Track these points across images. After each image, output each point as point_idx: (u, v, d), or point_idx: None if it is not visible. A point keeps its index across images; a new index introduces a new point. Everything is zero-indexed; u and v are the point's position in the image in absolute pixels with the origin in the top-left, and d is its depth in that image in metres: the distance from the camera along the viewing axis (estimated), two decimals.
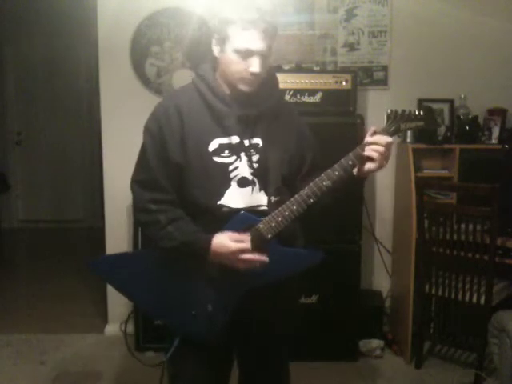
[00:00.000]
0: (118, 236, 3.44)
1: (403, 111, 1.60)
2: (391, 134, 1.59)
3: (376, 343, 3.22)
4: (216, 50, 1.64)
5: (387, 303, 3.51)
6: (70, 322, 3.70)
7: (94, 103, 5.21)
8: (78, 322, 3.69)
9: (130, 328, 3.26)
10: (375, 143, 1.56)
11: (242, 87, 1.62)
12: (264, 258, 1.59)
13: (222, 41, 1.60)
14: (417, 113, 1.61)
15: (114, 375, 3.01)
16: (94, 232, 5.29)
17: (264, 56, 1.59)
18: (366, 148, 1.57)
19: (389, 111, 1.61)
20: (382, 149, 1.55)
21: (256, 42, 1.56)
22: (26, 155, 6.27)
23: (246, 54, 1.57)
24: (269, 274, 1.62)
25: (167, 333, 1.77)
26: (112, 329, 3.51)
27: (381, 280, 3.55)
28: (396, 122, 1.60)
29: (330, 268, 2.49)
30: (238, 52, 1.57)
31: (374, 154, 1.56)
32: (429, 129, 3.09)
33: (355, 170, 1.62)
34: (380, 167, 1.59)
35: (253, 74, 1.59)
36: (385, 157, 1.57)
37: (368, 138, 1.58)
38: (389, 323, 3.48)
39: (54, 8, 5.35)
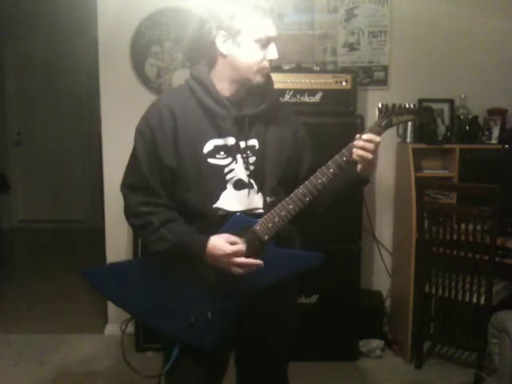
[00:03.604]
0: (118, 236, 3.44)
1: (394, 105, 1.60)
2: (383, 128, 1.59)
3: (376, 343, 3.22)
4: (225, 46, 1.59)
5: (387, 303, 3.51)
6: (70, 322, 3.70)
7: (94, 103, 5.21)
8: (78, 322, 3.70)
9: (130, 328, 3.26)
10: (361, 147, 1.55)
11: (259, 79, 1.61)
12: (259, 262, 1.56)
13: (234, 35, 1.56)
14: (407, 106, 1.60)
15: (114, 375, 3.01)
16: (94, 232, 5.28)
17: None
18: (353, 150, 1.57)
19: (380, 105, 1.61)
20: (364, 153, 1.55)
21: (273, 28, 1.59)
22: (26, 155, 6.26)
23: (266, 42, 1.58)
24: (267, 276, 1.59)
25: (165, 343, 1.73)
26: (112, 329, 3.51)
27: (381, 280, 3.55)
28: (387, 116, 1.59)
29: (330, 268, 2.48)
30: (258, 41, 1.57)
31: (357, 158, 1.57)
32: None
33: (359, 167, 1.61)
34: (364, 169, 1.60)
35: (271, 61, 1.60)
36: (368, 161, 1.57)
37: (357, 142, 1.57)
38: (389, 323, 3.48)
39: (54, 8, 5.35)
